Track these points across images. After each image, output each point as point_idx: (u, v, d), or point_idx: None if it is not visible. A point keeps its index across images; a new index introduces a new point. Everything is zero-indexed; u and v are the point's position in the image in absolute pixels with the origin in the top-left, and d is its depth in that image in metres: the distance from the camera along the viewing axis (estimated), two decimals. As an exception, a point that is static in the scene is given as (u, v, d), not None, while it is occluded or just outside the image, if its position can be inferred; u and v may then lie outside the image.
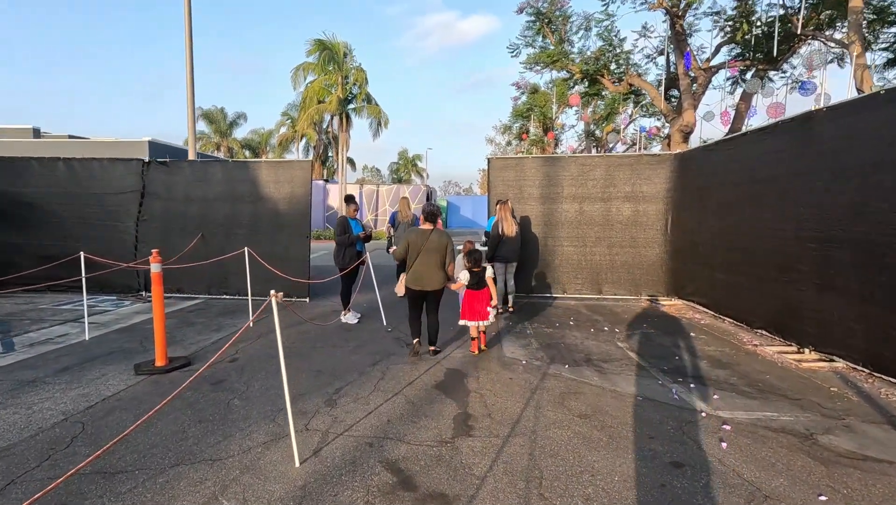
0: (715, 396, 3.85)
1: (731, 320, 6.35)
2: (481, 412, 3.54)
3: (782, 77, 10.83)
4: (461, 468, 2.75)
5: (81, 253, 5.54)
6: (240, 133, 35.49)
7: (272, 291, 2.73)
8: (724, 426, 3.30)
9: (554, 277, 8.24)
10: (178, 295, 8.04)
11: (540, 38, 12.95)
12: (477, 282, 5.04)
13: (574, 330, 6.07)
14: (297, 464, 2.76)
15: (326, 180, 29.05)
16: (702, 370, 4.53)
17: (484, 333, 5.20)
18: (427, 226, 4.95)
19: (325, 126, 29.55)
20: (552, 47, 12.66)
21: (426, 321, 5.05)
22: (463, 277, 5.07)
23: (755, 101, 11.67)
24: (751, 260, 5.82)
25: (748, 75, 12.02)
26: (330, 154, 33.33)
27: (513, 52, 13.47)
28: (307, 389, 4.00)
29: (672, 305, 7.64)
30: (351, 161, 35.71)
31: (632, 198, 8.00)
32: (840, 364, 4.56)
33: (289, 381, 4.15)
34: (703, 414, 3.51)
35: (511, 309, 7.07)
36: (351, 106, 23.18)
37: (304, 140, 30.98)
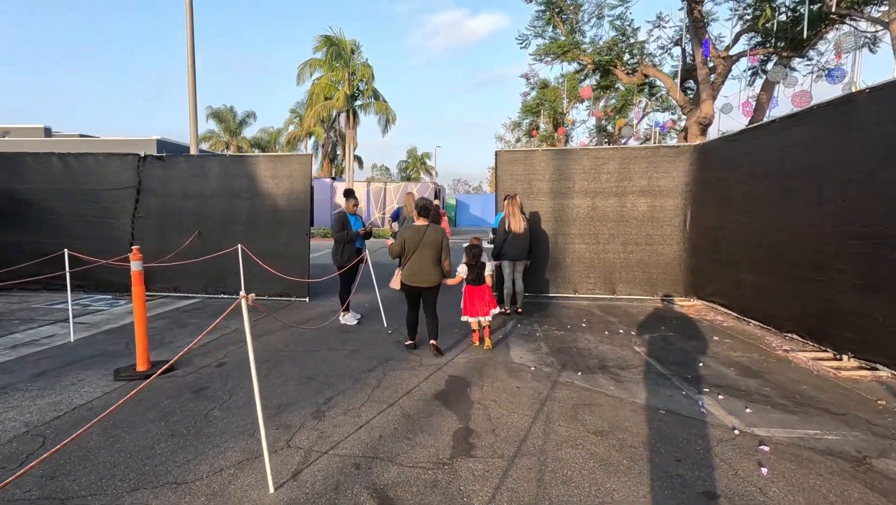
0: (747, 410, 3.44)
1: (756, 323, 5.89)
2: (484, 427, 3.17)
3: (808, 65, 10.25)
4: (459, 497, 2.39)
5: (66, 250, 5.27)
6: (249, 132, 35.45)
7: (241, 293, 2.40)
8: (762, 447, 2.89)
9: (565, 275, 7.83)
10: (174, 294, 7.79)
11: (550, 29, 12.49)
12: (476, 277, 4.96)
13: (587, 333, 5.67)
14: (272, 490, 2.42)
15: (334, 178, 28.84)
16: (730, 379, 4.11)
17: (488, 327, 5.06)
18: (422, 221, 4.78)
19: (332, 123, 29.34)
20: (563, 38, 12.19)
21: (425, 320, 4.88)
22: (461, 270, 4.97)
23: (776, 91, 11.10)
24: (780, 258, 5.37)
25: (769, 65, 11.45)
26: (338, 152, 33.12)
27: (522, 44, 13.02)
28: (295, 398, 3.66)
29: (691, 305, 7.19)
30: (358, 159, 35.50)
31: (648, 192, 7.55)
32: (885, 373, 4.10)
33: (276, 389, 3.86)
34: (736, 431, 3.10)
35: (519, 310, 6.68)
36: (358, 102, 22.90)
37: (312, 138, 30.81)
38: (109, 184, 7.86)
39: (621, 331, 5.75)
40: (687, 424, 3.22)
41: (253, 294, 2.42)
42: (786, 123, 5.40)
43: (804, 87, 9.29)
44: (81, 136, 27.36)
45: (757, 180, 5.83)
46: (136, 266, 4.15)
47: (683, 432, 3.10)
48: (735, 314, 6.35)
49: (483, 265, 4.97)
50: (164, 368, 2.61)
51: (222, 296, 7.69)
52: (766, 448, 2.87)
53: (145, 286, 7.67)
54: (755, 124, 6.38)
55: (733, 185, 6.32)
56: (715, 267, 6.79)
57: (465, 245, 5.65)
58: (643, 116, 20.32)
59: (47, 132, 27.51)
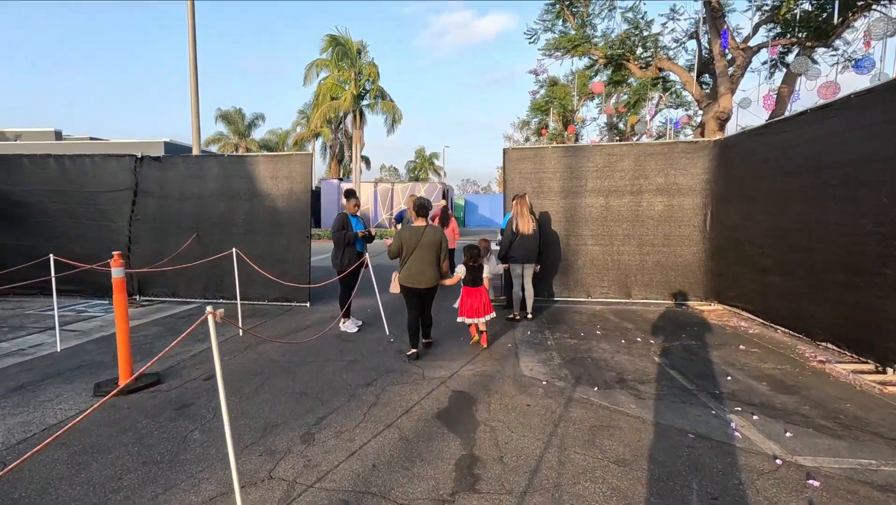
0: (787, 434, 3.06)
1: (785, 330, 5.48)
2: (491, 454, 2.83)
3: (833, 55, 9.76)
4: (460, 545, 2.06)
5: (51, 256, 5.04)
6: (258, 134, 35.44)
7: (208, 308, 2.09)
8: (810, 481, 2.52)
9: (577, 279, 7.45)
10: (172, 299, 7.56)
11: (560, 22, 12.11)
12: (473, 278, 4.90)
13: (602, 341, 5.30)
14: (245, 535, 2.11)
15: (341, 179, 28.67)
16: (763, 395, 3.72)
17: (485, 332, 5.06)
18: (420, 222, 4.61)
19: (339, 124, 29.16)
20: (573, 31, 11.81)
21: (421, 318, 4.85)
22: (459, 270, 4.90)
23: (798, 84, 10.60)
24: (812, 260, 4.95)
25: (789, 57, 10.95)
26: (346, 153, 32.95)
27: (531, 38, 12.65)
28: (284, 417, 3.36)
29: (712, 310, 6.78)
30: (366, 159, 35.32)
31: (665, 190, 7.15)
32: (938, 389, 3.69)
33: (265, 406, 3.55)
34: (779, 461, 2.72)
35: (529, 316, 6.33)
36: (364, 102, 22.67)
37: (319, 139, 30.69)
38: (106, 186, 7.65)
39: (639, 339, 5.37)
40: (720, 452, 2.85)
41: (221, 310, 2.11)
42: (818, 115, 4.98)
43: (829, 78, 8.81)
44: (91, 138, 27.53)
45: (785, 177, 5.42)
46: (116, 273, 3.88)
47: (717, 462, 2.73)
48: (761, 320, 5.94)
49: (481, 267, 4.93)
50: (118, 390, 2.32)
51: (221, 301, 7.43)
52: (816, 483, 2.50)
53: (142, 291, 7.58)
54: (782, 117, 5.95)
55: (758, 182, 5.91)
56: (738, 269, 6.37)
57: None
58: (656, 113, 19.80)
59: (58, 135, 27.72)
